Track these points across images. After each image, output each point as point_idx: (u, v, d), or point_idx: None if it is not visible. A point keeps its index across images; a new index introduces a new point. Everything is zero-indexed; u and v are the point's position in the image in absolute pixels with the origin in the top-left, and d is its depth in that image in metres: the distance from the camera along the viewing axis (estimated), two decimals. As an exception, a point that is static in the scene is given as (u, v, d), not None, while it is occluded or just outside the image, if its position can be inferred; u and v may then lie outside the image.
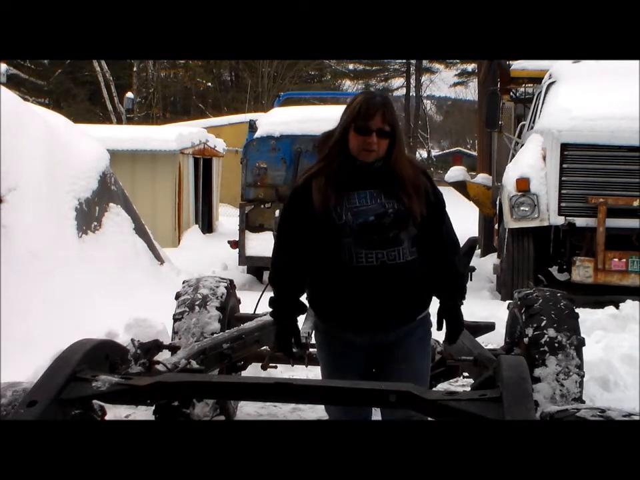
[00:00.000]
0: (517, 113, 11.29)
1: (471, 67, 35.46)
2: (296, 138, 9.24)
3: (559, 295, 3.88)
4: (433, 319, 2.76)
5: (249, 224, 9.35)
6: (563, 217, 7.62)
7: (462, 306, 2.78)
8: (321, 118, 9.60)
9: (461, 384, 4.62)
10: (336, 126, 2.62)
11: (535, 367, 3.49)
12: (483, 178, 11.93)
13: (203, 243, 13.31)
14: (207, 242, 13.56)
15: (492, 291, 9.18)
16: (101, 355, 2.50)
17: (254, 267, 9.76)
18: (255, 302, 4.60)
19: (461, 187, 11.57)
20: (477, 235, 12.38)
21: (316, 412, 4.44)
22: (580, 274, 7.48)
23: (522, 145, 8.93)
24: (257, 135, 9.62)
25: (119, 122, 26.08)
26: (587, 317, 5.80)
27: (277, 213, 9.02)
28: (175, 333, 4.00)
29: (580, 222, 7.56)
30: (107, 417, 2.42)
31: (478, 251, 12.07)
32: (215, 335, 3.76)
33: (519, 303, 3.89)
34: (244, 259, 9.44)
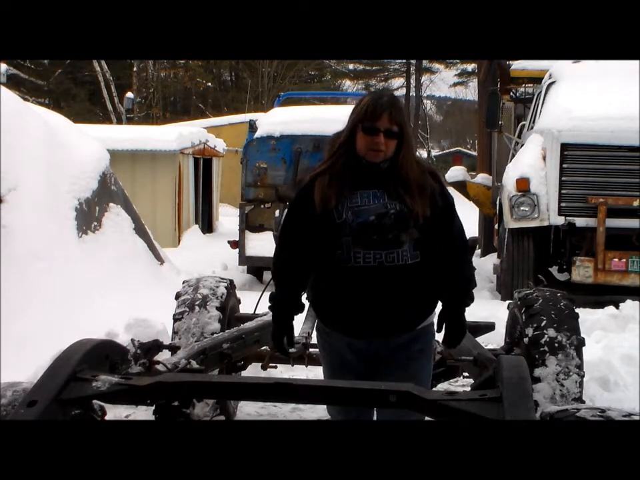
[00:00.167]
0: (517, 113, 11.29)
1: (471, 67, 35.44)
2: (296, 138, 9.25)
3: (559, 295, 3.88)
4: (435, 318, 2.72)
5: (248, 224, 9.36)
6: (563, 217, 7.62)
7: (465, 312, 2.72)
8: (320, 118, 9.62)
9: (461, 384, 4.62)
10: (345, 125, 2.59)
11: (535, 366, 3.49)
12: (482, 178, 11.93)
13: (202, 243, 13.31)
14: (207, 242, 13.56)
15: (492, 291, 9.18)
16: (101, 354, 2.50)
17: (254, 266, 9.77)
18: (255, 302, 4.60)
19: (461, 187, 11.57)
20: (476, 235, 12.38)
21: (316, 412, 4.44)
22: (580, 274, 7.48)
23: (522, 145, 8.93)
24: (257, 135, 9.62)
25: (119, 122, 26.07)
26: (587, 317, 5.80)
27: (277, 212, 9.04)
28: (174, 332, 4.00)
29: (580, 222, 7.56)
30: (107, 417, 2.42)
31: (478, 251, 12.08)
32: (214, 335, 3.76)
33: (518, 302, 3.89)
34: (244, 259, 9.44)
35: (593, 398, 4.48)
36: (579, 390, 3.50)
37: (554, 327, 3.61)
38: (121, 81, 29.01)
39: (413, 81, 38.78)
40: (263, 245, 8.83)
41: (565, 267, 7.81)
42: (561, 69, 8.89)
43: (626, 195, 7.46)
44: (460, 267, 2.63)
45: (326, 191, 2.51)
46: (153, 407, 2.84)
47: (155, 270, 7.82)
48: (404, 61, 37.70)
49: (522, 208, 7.71)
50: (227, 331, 3.87)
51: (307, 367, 4.20)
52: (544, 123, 8.23)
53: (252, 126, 10.37)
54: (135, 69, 28.50)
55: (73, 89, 29.01)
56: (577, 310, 3.83)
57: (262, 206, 9.36)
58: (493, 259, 10.07)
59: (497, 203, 9.12)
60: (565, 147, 7.65)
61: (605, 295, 7.51)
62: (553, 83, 8.84)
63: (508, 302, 4.28)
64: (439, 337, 2.85)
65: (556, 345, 3.55)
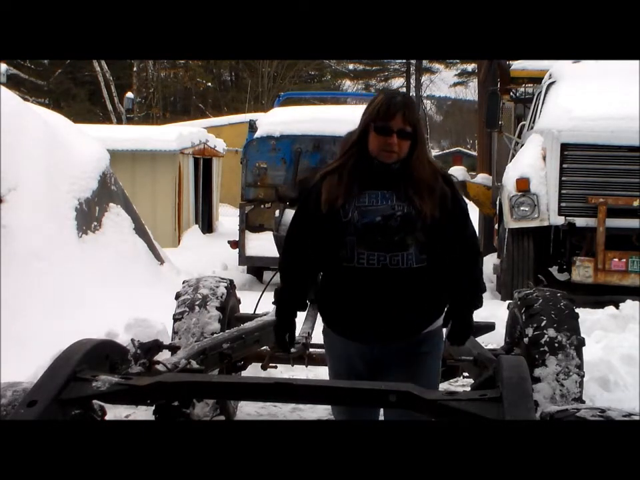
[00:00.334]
0: (517, 113, 11.29)
1: (471, 67, 35.47)
2: (296, 138, 9.25)
3: (559, 295, 3.88)
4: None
5: (248, 224, 9.36)
6: (563, 217, 7.61)
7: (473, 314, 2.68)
8: (320, 118, 9.63)
9: (461, 384, 4.62)
10: (357, 126, 2.55)
11: (535, 367, 3.49)
12: (482, 178, 11.93)
13: (203, 243, 13.31)
14: (207, 242, 13.56)
15: (492, 291, 9.18)
16: (101, 354, 2.50)
17: (254, 266, 9.76)
18: (255, 302, 4.60)
19: (461, 186, 11.56)
20: (477, 235, 12.36)
21: (316, 412, 4.45)
22: (580, 274, 7.48)
23: (522, 145, 8.93)
24: (257, 134, 9.62)
25: (119, 122, 26.07)
26: (587, 317, 5.80)
27: (277, 212, 9.02)
28: (174, 332, 4.00)
29: (580, 222, 7.55)
30: (107, 417, 2.42)
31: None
32: (215, 335, 3.76)
33: (518, 302, 3.89)
34: (244, 259, 9.44)
35: (593, 398, 4.49)
36: (579, 390, 3.50)
37: (554, 326, 3.61)
38: (121, 80, 29.01)
39: (413, 81, 38.74)
40: (263, 244, 8.83)
41: (565, 266, 7.81)
42: (561, 69, 8.89)
43: (626, 195, 7.46)
44: (471, 272, 2.60)
45: (334, 189, 2.48)
46: (153, 407, 2.84)
47: (155, 270, 7.82)
48: (404, 60, 37.69)
49: (522, 208, 7.70)
50: (227, 331, 3.87)
51: (307, 366, 4.20)
52: (544, 123, 8.23)
53: (252, 126, 10.37)
54: (135, 68, 28.50)
55: (72, 89, 29.01)
56: (577, 310, 3.83)
57: (262, 206, 9.35)
58: (493, 258, 10.07)
59: (497, 202, 9.12)
60: (564, 147, 7.65)
61: (605, 295, 7.51)
62: (553, 83, 8.84)
63: (508, 302, 4.28)
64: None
65: (556, 345, 3.55)
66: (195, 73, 31.10)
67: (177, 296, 4.21)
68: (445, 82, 44.52)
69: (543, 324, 3.63)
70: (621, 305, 6.48)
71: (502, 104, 10.30)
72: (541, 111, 8.68)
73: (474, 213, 12.79)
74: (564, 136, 7.66)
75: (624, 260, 7.40)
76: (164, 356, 3.22)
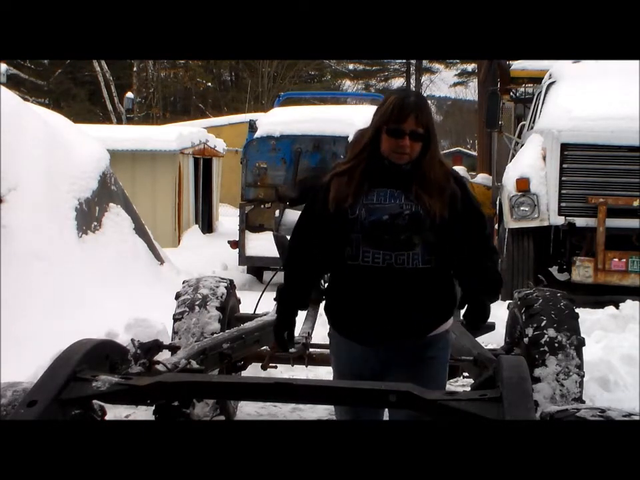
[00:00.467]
0: (517, 113, 11.30)
1: (471, 67, 35.44)
2: (296, 138, 9.25)
3: (559, 295, 3.89)
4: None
5: (248, 224, 9.36)
6: (563, 217, 7.61)
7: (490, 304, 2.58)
8: (320, 118, 9.63)
9: (461, 384, 4.62)
10: (369, 125, 2.52)
11: (535, 367, 3.49)
12: (482, 178, 11.95)
13: (203, 243, 13.31)
14: (207, 242, 13.56)
15: (492, 290, 9.17)
16: (101, 354, 2.50)
17: (254, 266, 9.77)
18: (255, 302, 4.60)
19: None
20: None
21: (316, 412, 4.45)
22: (580, 274, 7.48)
23: (522, 145, 8.93)
24: (257, 135, 9.62)
25: (119, 122, 26.07)
26: (587, 317, 5.80)
27: (277, 212, 9.04)
28: (174, 333, 4.00)
29: (580, 222, 7.55)
30: (107, 417, 2.42)
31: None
32: (215, 335, 3.76)
33: (518, 302, 3.89)
34: (244, 259, 9.44)
35: (593, 398, 4.49)
36: (579, 390, 3.50)
37: (554, 326, 3.61)
38: (121, 80, 29.00)
39: (413, 81, 38.78)
40: (262, 244, 8.83)
41: (565, 266, 7.81)
42: (560, 69, 8.89)
43: (626, 195, 7.46)
44: (487, 267, 2.54)
45: (344, 188, 2.46)
46: (153, 407, 2.84)
47: (155, 270, 7.82)
48: (404, 61, 37.72)
49: (522, 208, 7.70)
50: (227, 331, 3.87)
51: (307, 366, 4.20)
52: (544, 123, 8.23)
53: (252, 126, 10.37)
54: (135, 69, 28.49)
55: (73, 89, 29.01)
56: (577, 310, 3.83)
57: (262, 206, 9.36)
58: (493, 259, 10.05)
59: (497, 202, 9.12)
60: (564, 147, 7.65)
61: (605, 295, 7.51)
62: (553, 83, 8.84)
63: (508, 302, 4.28)
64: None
65: (556, 345, 3.55)
66: (195, 73, 31.10)
67: (177, 296, 4.21)
68: (445, 82, 44.52)
69: (543, 324, 3.63)
70: (621, 305, 6.48)
71: (502, 104, 10.30)
72: (540, 111, 8.68)
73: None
74: (564, 136, 7.66)
75: (624, 260, 7.40)
76: (164, 356, 3.22)
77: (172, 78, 31.95)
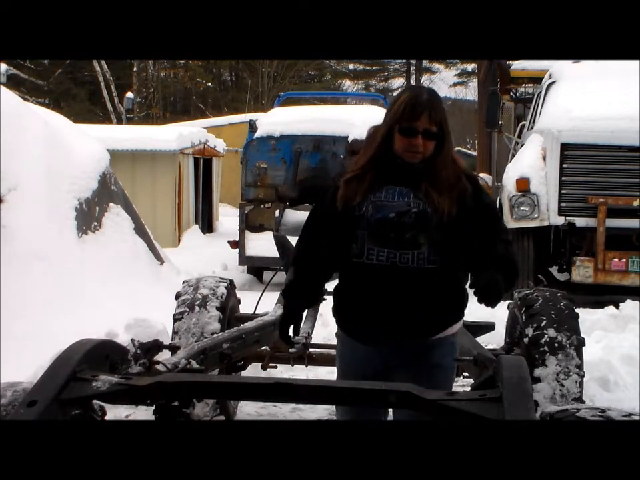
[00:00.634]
0: (517, 113, 11.31)
1: (471, 67, 35.44)
2: (296, 138, 9.25)
3: (559, 294, 3.89)
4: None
5: (248, 224, 9.36)
6: (563, 217, 7.62)
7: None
8: (320, 118, 9.63)
9: (461, 384, 4.61)
10: (381, 123, 2.47)
11: (535, 367, 3.49)
12: (482, 178, 11.94)
13: (203, 243, 13.31)
14: (207, 242, 13.56)
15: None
16: (101, 354, 2.50)
17: (254, 266, 9.77)
18: (255, 302, 4.60)
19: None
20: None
21: (316, 412, 4.45)
22: (580, 274, 7.48)
23: (522, 145, 8.93)
24: (257, 134, 9.62)
25: (119, 122, 26.07)
26: (587, 317, 5.80)
27: (277, 212, 9.04)
28: (174, 333, 4.00)
29: (580, 222, 7.56)
30: (107, 417, 2.42)
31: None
32: (214, 335, 3.75)
33: (518, 302, 3.89)
34: (244, 259, 9.44)
35: (593, 398, 4.49)
36: (579, 390, 3.50)
37: (554, 326, 3.61)
38: (121, 80, 29.00)
39: (413, 81, 38.77)
40: (263, 244, 8.83)
41: (565, 266, 7.82)
42: (560, 69, 8.89)
43: (626, 195, 7.46)
44: (507, 255, 2.42)
45: (354, 186, 2.43)
46: (153, 407, 2.84)
47: (155, 270, 7.82)
48: (404, 61, 37.74)
49: (522, 208, 7.71)
50: (227, 331, 3.87)
51: (307, 366, 4.20)
52: (544, 123, 8.23)
53: (252, 126, 10.38)
54: (135, 68, 28.50)
55: (73, 89, 29.01)
56: (577, 310, 3.83)
57: (262, 206, 9.36)
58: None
59: (497, 202, 9.12)
60: (564, 147, 7.65)
61: (605, 295, 7.51)
62: (553, 83, 8.85)
63: (508, 302, 4.28)
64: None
65: (556, 344, 3.55)
66: (194, 73, 31.10)
67: (177, 296, 4.21)
68: (445, 82, 44.45)
69: (543, 324, 3.63)
70: (621, 305, 6.48)
71: (502, 104, 10.31)
72: (540, 111, 8.68)
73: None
74: (564, 136, 7.66)
75: (624, 260, 7.40)
76: (164, 356, 3.22)
77: (172, 78, 31.96)
